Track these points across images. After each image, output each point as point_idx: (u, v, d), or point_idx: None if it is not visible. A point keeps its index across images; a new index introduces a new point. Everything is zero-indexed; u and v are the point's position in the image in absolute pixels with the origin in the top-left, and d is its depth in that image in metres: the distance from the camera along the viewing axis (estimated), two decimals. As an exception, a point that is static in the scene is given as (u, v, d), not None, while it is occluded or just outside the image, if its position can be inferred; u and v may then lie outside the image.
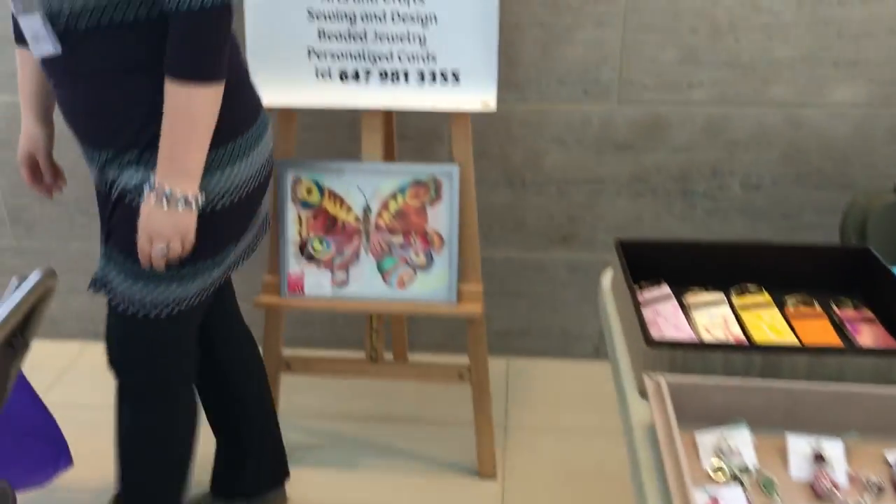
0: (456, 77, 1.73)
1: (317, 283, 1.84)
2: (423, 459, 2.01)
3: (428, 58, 1.73)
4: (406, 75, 1.75)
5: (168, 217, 1.28)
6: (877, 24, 1.93)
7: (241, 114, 1.38)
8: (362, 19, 1.72)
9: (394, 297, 1.83)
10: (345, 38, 1.73)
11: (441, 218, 1.79)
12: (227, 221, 1.40)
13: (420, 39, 1.72)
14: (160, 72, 1.25)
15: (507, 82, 2.03)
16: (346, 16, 1.72)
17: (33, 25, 1.27)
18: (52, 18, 1.25)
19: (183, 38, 1.23)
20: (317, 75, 1.76)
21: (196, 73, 1.23)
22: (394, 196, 1.79)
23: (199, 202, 1.30)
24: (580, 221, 2.21)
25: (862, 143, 2.05)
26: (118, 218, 1.36)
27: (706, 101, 2.04)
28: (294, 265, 1.83)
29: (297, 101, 1.77)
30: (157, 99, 1.27)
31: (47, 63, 1.32)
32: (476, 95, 1.73)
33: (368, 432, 2.10)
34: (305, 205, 1.81)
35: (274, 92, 1.75)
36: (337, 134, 2.13)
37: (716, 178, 2.13)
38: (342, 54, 1.74)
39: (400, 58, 1.73)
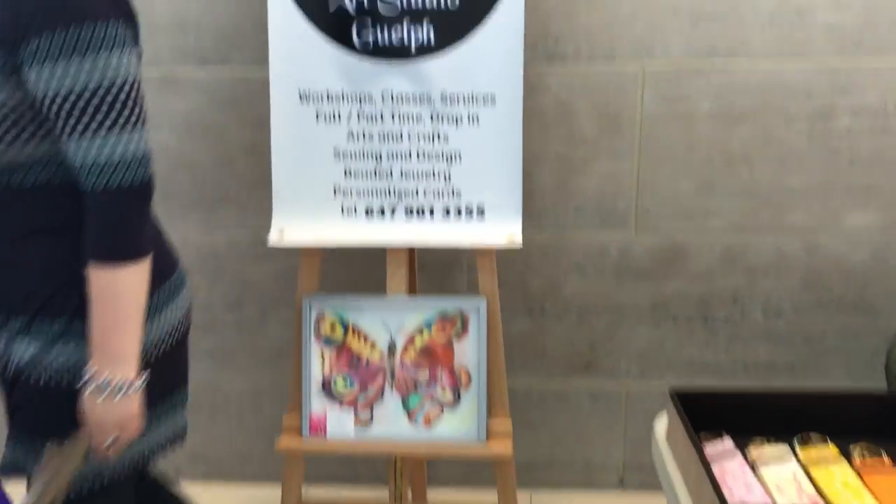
0: (481, 212, 1.74)
1: (339, 423, 1.78)
2: None
3: (453, 193, 1.74)
4: (431, 211, 1.75)
5: (110, 409, 1.17)
6: (887, 151, 1.97)
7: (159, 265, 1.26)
8: (388, 158, 1.74)
9: (420, 437, 1.76)
10: (371, 176, 1.75)
11: (468, 353, 1.75)
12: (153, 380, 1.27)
13: (445, 176, 1.74)
14: (59, 236, 1.19)
15: (526, 212, 2.04)
16: (372, 155, 1.74)
17: None
18: None
19: (103, 218, 1.13)
20: (342, 213, 1.76)
21: (119, 254, 1.14)
22: (420, 331, 1.76)
23: (140, 385, 1.19)
24: (601, 349, 2.18)
25: (880, 267, 2.06)
26: (18, 398, 1.23)
27: (723, 229, 2.06)
28: (316, 405, 1.78)
29: (323, 239, 1.76)
30: (49, 264, 1.19)
31: None
32: (501, 230, 1.74)
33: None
34: (328, 341, 1.77)
35: (299, 231, 1.75)
36: (355, 264, 2.13)
37: (736, 305, 2.12)
38: (368, 192, 1.75)
39: (425, 194, 1.75)
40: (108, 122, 1.10)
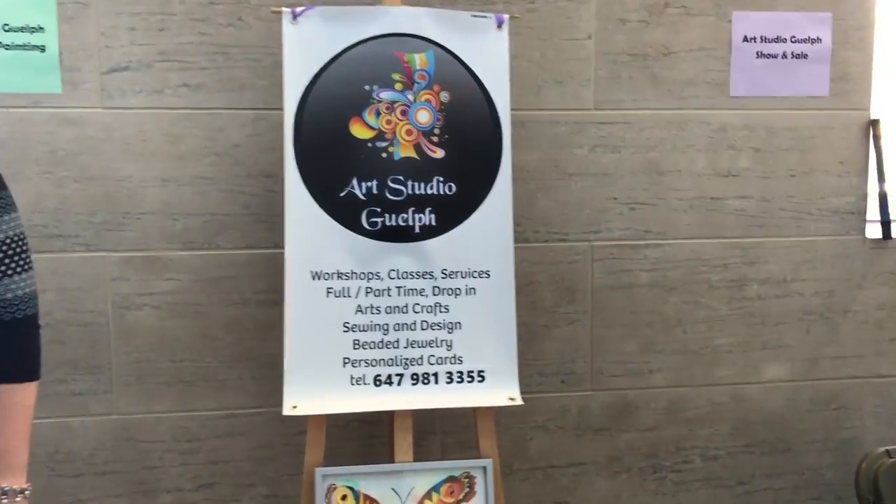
0: (482, 376, 1.90)
1: None
2: None
3: (455, 360, 1.89)
4: (436, 377, 1.88)
5: None
6: (789, 313, 2.36)
7: None
8: (395, 329, 1.87)
9: None
10: (378, 347, 1.87)
11: (476, 513, 1.85)
12: None
13: (447, 344, 1.89)
14: None
15: (494, 377, 2.22)
16: (379, 327, 1.87)
17: None
18: None
19: (26, 343, 1.37)
20: (351, 382, 1.85)
21: (32, 373, 1.37)
22: (428, 495, 1.84)
23: (29, 491, 1.35)
24: (565, 505, 2.32)
25: (793, 413, 2.39)
26: None
27: (665, 385, 2.33)
28: (330, 578, 1.78)
29: (333, 407, 1.84)
30: None
31: None
32: (501, 392, 1.89)
33: None
34: (340, 512, 1.81)
35: (309, 401, 1.82)
36: (352, 428, 2.18)
37: (679, 453, 2.36)
38: (376, 361, 1.86)
39: (430, 361, 1.88)
40: (26, 263, 1.36)
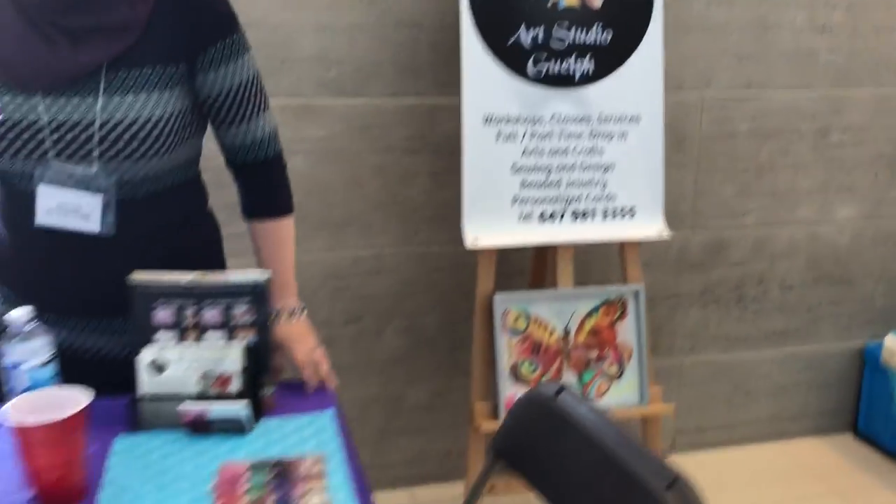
0: (632, 213, 2.09)
1: (527, 402, 2.02)
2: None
3: (609, 198, 2.08)
4: (592, 213, 2.07)
5: (307, 326, 1.46)
6: (864, 159, 2.61)
7: None
8: (557, 170, 2.04)
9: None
10: (542, 187, 2.03)
11: (628, 332, 2.09)
12: None
13: (602, 184, 2.07)
14: (188, 226, 1.41)
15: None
16: (544, 168, 2.03)
17: (80, 201, 1.29)
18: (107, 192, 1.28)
19: (280, 180, 1.46)
20: (519, 219, 2.03)
21: (291, 206, 1.48)
22: (588, 316, 2.07)
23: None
24: (663, 330, 2.60)
25: (856, 248, 2.69)
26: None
27: (754, 225, 2.58)
28: (508, 389, 2.01)
29: (506, 241, 2.01)
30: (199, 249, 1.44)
31: (62, 240, 1.29)
32: (649, 227, 2.10)
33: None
34: (514, 332, 2.02)
35: (484, 235, 1.99)
36: (461, 273, 2.36)
37: (761, 285, 2.65)
38: (541, 200, 2.04)
39: (587, 199, 2.07)
40: (264, 103, 1.40)
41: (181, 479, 1.10)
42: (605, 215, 2.09)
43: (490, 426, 2.00)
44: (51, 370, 1.18)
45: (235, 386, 1.24)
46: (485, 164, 1.99)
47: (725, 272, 2.61)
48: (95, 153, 1.24)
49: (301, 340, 1.40)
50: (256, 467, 1.12)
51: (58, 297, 1.32)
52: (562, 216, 2.06)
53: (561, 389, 1.26)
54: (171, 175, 1.34)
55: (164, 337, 1.26)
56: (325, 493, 1.06)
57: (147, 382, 1.22)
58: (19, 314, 1.16)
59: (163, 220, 1.35)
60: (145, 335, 1.26)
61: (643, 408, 2.09)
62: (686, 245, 2.55)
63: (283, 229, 1.46)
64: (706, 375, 2.70)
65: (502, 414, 2.00)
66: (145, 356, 1.23)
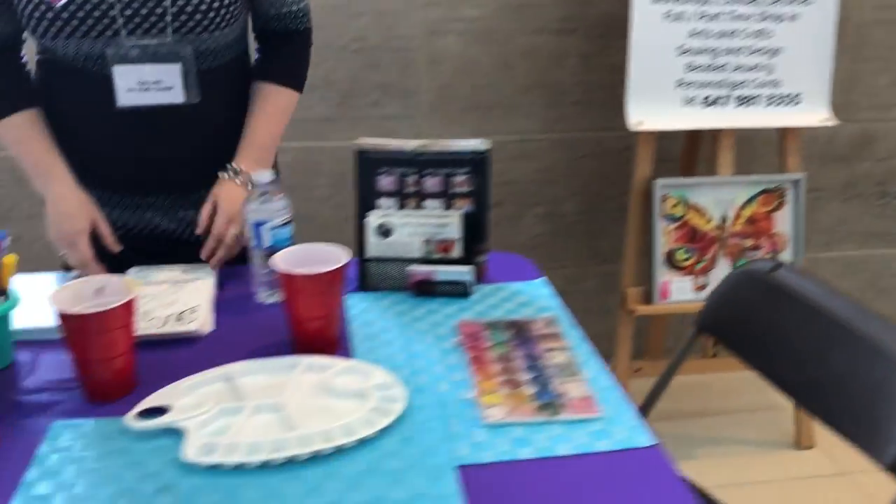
0: (797, 100, 2.04)
1: (681, 289, 2.04)
2: (741, 442, 2.23)
3: (774, 84, 2.02)
4: (757, 99, 2.02)
5: (240, 191, 1.32)
6: None
7: None
8: (724, 53, 1.98)
9: (745, 295, 2.07)
10: (708, 70, 1.98)
11: (785, 221, 2.06)
12: None
13: (768, 69, 2.01)
14: (239, 99, 1.40)
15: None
16: (710, 51, 1.97)
17: (160, 75, 1.27)
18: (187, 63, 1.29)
19: (303, 54, 1.43)
20: (684, 103, 1.99)
21: (303, 84, 1.43)
22: (746, 204, 2.05)
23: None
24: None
25: None
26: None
27: (906, 117, 2.49)
28: (663, 275, 2.02)
29: (669, 124, 1.99)
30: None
31: (144, 118, 1.29)
32: (813, 114, 2.05)
33: (681, 428, 2.28)
34: (671, 218, 2.02)
35: (648, 118, 1.96)
36: (606, 160, 2.35)
37: (906, 181, 2.58)
38: (706, 84, 1.99)
39: (752, 84, 2.01)
40: None
41: (423, 333, 1.15)
42: (769, 102, 2.03)
43: (643, 310, 2.02)
44: (290, 230, 1.23)
45: (457, 251, 1.27)
46: (651, 44, 1.94)
47: (869, 167, 2.53)
48: (169, 28, 1.25)
49: (226, 204, 1.31)
50: (492, 326, 1.16)
51: (140, 175, 1.35)
52: (726, 101, 2.01)
53: (778, 265, 1.26)
54: (234, 47, 1.36)
55: (385, 203, 1.29)
56: (568, 352, 1.09)
57: (374, 245, 1.27)
58: (264, 175, 1.20)
59: (234, 90, 1.39)
60: (368, 200, 1.29)
61: (795, 298, 2.08)
62: (833, 136, 2.48)
63: (284, 98, 1.40)
64: (838, 271, 2.67)
65: (656, 299, 2.02)
66: (372, 220, 1.26)
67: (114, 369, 0.99)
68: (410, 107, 2.23)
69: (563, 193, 2.40)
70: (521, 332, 1.14)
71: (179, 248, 1.38)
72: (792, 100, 2.04)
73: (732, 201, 2.04)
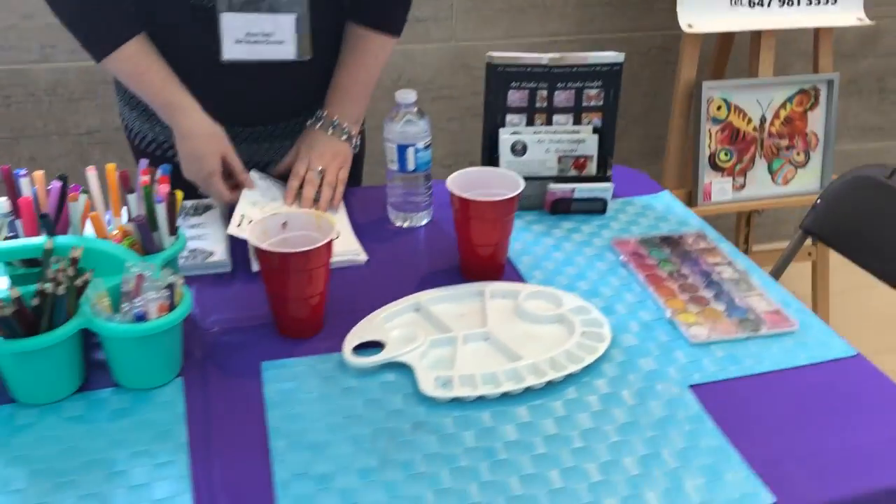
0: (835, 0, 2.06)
1: (721, 190, 2.08)
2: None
3: (815, -17, 2.03)
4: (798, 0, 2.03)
5: (330, 142, 1.26)
6: None
7: None
8: (770, -49, 1.97)
9: (780, 193, 2.13)
10: (753, -33, 1.97)
11: (818, 120, 2.12)
12: None
13: (810, -33, 2.01)
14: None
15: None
16: (757, -52, 1.96)
17: (271, 27, 1.16)
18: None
19: (408, 3, 1.31)
20: (731, 3, 1.98)
21: (400, 29, 1.31)
22: (783, 105, 2.08)
23: (357, 144, 1.31)
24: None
25: None
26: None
27: (909, 13, 2.55)
28: (706, 176, 2.06)
29: (716, 27, 1.98)
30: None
31: (257, 73, 1.21)
32: (849, 13, 2.07)
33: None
34: (715, 121, 2.04)
35: (697, 20, 1.95)
36: (633, 60, 2.34)
37: (902, 76, 2.67)
38: (752, -17, 1.98)
39: (794, -17, 2.02)
40: None
41: (580, 253, 1.15)
42: (809, 1, 2.05)
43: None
44: (430, 152, 1.19)
45: (592, 168, 1.26)
46: (702, -57, 1.92)
47: (873, 63, 2.61)
48: None
49: (318, 153, 1.25)
50: (647, 242, 1.17)
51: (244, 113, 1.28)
52: (770, 2, 2.02)
53: (894, 171, 1.30)
54: None
55: (513, 119, 1.26)
56: (732, 266, 1.12)
57: (507, 164, 1.24)
58: (406, 94, 1.15)
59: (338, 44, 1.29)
60: (497, 116, 1.25)
61: (823, 194, 2.16)
62: (842, 35, 2.53)
63: (380, 45, 1.28)
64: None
65: (700, 201, 2.07)
66: (506, 137, 1.23)
67: (311, 306, 0.96)
68: (444, 8, 2.14)
69: (589, 96, 2.39)
70: (677, 249, 1.16)
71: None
72: (830, 0, 2.06)
73: (771, 102, 2.08)
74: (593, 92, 1.25)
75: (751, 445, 0.82)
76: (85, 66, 1.95)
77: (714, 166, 2.07)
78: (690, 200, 2.08)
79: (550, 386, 0.89)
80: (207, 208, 1.22)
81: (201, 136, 1.18)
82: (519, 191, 1.04)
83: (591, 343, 0.95)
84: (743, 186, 2.11)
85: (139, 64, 1.16)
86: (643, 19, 2.28)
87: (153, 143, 1.31)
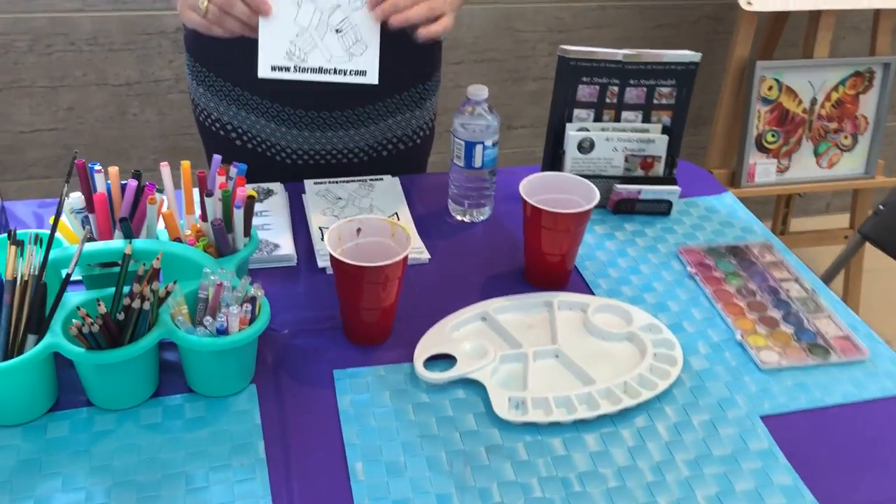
0: (899, -21, 1.99)
1: (765, 171, 2.05)
2: None
3: (880, -38, 1.96)
4: (861, -22, 1.96)
5: None
6: None
7: None
8: (839, -73, 1.89)
9: (823, 177, 2.10)
10: (821, -55, 1.90)
11: (870, 104, 2.07)
12: None
13: (877, -55, 1.94)
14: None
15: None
16: (826, -76, 1.88)
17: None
18: None
19: None
20: (793, -20, 1.92)
21: None
22: (836, 87, 2.04)
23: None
24: None
25: None
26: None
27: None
28: (751, 157, 2.03)
29: (777, 5, 1.92)
30: None
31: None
32: (912, -5, 2.01)
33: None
34: (766, 101, 2.00)
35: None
36: (681, 29, 2.28)
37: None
38: (817, -40, 1.91)
39: (859, -38, 1.95)
40: None
41: (645, 259, 1.14)
42: (871, -19, 1.98)
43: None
44: (497, 150, 1.16)
45: (659, 168, 1.24)
46: (770, -84, 1.84)
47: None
48: None
49: None
50: (713, 252, 1.16)
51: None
52: (831, -20, 1.95)
53: (964, 184, 1.28)
54: None
55: (581, 113, 1.23)
56: (799, 283, 1.10)
57: (574, 160, 1.22)
58: (479, 89, 1.12)
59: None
60: (564, 110, 1.22)
61: (868, 179, 2.13)
62: None
63: None
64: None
65: (744, 182, 2.04)
66: (573, 134, 1.21)
67: (383, 315, 0.95)
68: (493, -31, 2.08)
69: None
70: (744, 261, 1.14)
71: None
72: (893, -21, 1.99)
73: (824, 84, 2.03)
74: (665, 90, 1.22)
75: (823, 485, 0.83)
76: (126, 15, 1.90)
77: (760, 147, 2.04)
78: (734, 181, 2.05)
79: (621, 411, 0.89)
80: (269, 193, 1.20)
81: None
82: (594, 203, 1.03)
83: (664, 366, 0.94)
84: (787, 168, 2.07)
85: None
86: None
87: (217, 123, 1.29)
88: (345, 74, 1.06)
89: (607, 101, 1.22)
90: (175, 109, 2.04)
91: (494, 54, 2.20)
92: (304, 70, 1.04)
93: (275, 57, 1.03)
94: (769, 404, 0.92)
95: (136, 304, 0.77)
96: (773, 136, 2.04)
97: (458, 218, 1.21)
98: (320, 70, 1.05)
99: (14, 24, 1.85)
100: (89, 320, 0.75)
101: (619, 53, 1.19)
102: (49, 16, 1.86)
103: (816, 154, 2.09)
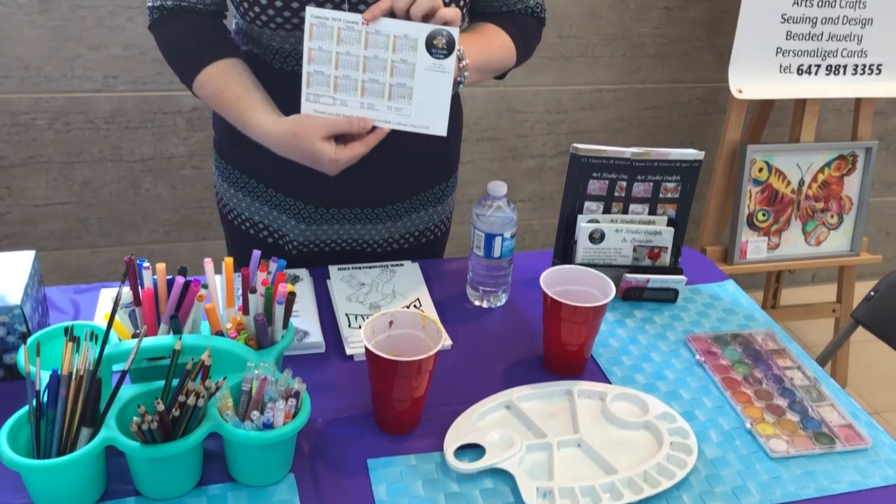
0: (879, 69, 2.10)
1: (756, 248, 2.14)
2: None
3: (862, 53, 2.08)
4: (844, 69, 2.08)
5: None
6: None
7: None
8: (821, 23, 2.01)
9: (811, 254, 2.19)
10: (806, 39, 2.01)
11: (854, 185, 2.17)
12: None
13: (858, 38, 2.06)
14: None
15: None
16: (809, 20, 2.00)
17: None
18: None
19: (536, 32, 1.32)
20: (780, 70, 2.03)
21: (525, 56, 1.31)
22: (822, 169, 2.14)
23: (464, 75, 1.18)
24: None
25: None
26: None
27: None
28: (744, 235, 2.11)
29: (765, 93, 2.03)
30: None
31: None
32: (893, 84, 2.12)
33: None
34: (756, 182, 2.09)
35: (747, 85, 2.00)
36: (674, 110, 2.38)
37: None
38: (802, 52, 2.02)
39: (843, 54, 2.06)
40: None
41: (655, 347, 1.19)
42: (854, 71, 2.09)
43: (724, 270, 2.12)
44: (514, 241, 1.23)
45: (666, 258, 1.31)
46: (756, 12, 1.95)
47: (903, 121, 2.67)
48: None
49: None
50: (719, 340, 1.22)
51: (327, 189, 1.28)
52: (817, 70, 2.06)
53: (950, 273, 1.36)
54: None
55: (591, 206, 1.30)
56: (802, 371, 1.17)
57: (584, 250, 1.28)
58: (498, 185, 1.19)
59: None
60: (575, 203, 1.29)
61: (853, 256, 2.22)
62: (876, 93, 2.58)
63: (504, 41, 1.24)
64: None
65: (736, 258, 2.12)
66: (585, 225, 1.27)
67: (413, 405, 1.00)
68: (494, 54, 2.18)
69: (631, 143, 2.43)
70: (748, 349, 1.21)
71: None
72: (874, 69, 2.11)
73: (810, 166, 2.13)
74: (671, 185, 1.30)
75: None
76: (144, 95, 1.97)
77: (751, 225, 2.12)
78: (726, 257, 2.13)
79: (643, 500, 0.94)
80: (296, 279, 1.25)
81: (283, 139, 1.11)
82: (611, 297, 1.09)
83: (681, 455, 0.99)
84: (777, 246, 2.16)
85: (217, 85, 1.15)
86: (686, 72, 2.32)
87: (247, 222, 1.35)
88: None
89: (616, 194, 1.30)
90: (187, 184, 2.10)
91: (495, 133, 2.29)
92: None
93: None
94: (780, 492, 0.97)
95: (191, 400, 0.82)
96: (763, 215, 2.13)
97: (477, 303, 1.27)
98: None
99: (35, 104, 1.91)
100: (148, 417, 0.80)
101: (628, 151, 1.27)
102: (70, 96, 1.93)
103: (805, 232, 2.18)
